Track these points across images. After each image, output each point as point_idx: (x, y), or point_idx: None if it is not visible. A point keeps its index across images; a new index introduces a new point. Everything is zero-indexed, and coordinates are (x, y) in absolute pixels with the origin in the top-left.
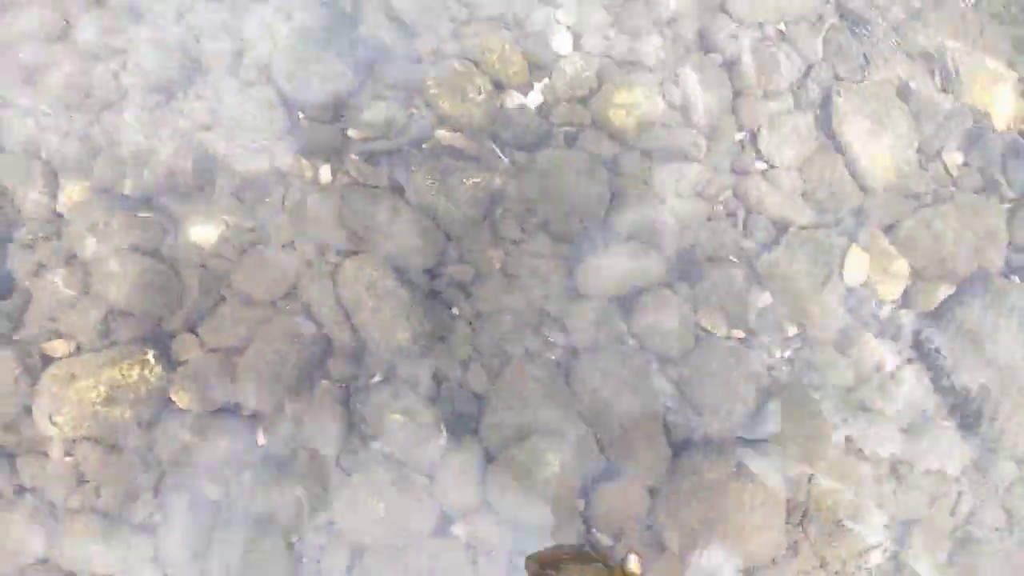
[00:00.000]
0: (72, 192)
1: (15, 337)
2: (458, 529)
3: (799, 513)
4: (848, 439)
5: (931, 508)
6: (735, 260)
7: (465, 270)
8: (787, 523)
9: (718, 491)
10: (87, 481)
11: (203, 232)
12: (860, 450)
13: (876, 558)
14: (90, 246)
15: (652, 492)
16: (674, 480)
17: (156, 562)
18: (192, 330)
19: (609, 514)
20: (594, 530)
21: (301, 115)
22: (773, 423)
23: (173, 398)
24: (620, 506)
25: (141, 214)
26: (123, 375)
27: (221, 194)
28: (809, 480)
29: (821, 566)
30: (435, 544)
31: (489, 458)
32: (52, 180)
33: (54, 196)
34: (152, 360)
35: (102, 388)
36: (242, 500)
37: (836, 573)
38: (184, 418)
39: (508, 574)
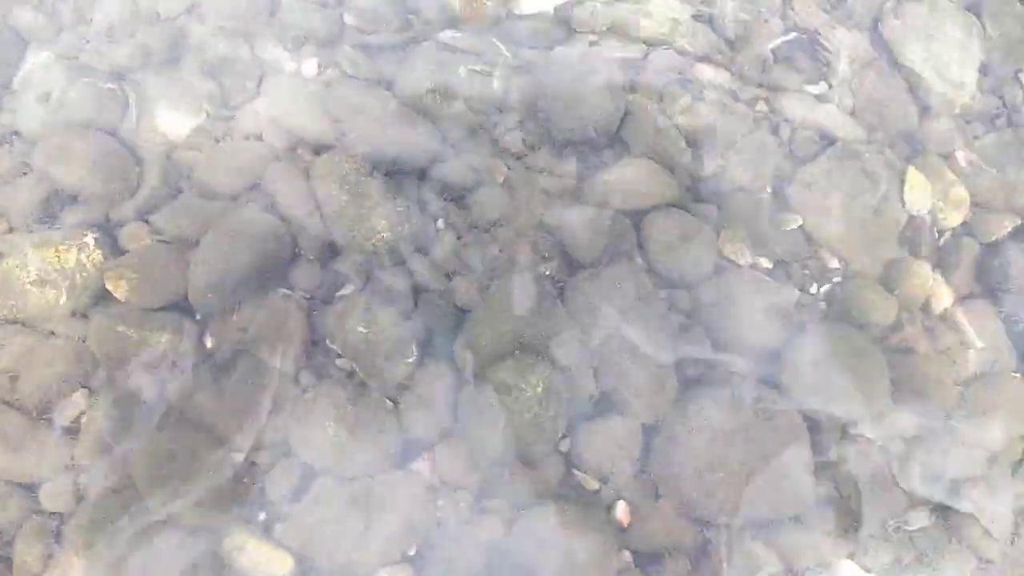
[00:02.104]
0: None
1: None
2: (421, 463)
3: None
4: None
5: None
6: (766, 182)
7: (460, 171)
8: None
9: (733, 438)
10: (6, 371)
11: (171, 118)
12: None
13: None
14: (37, 118)
15: (649, 432)
16: (680, 420)
17: (71, 469)
18: (144, 220)
19: (597, 453)
20: (577, 471)
21: None
22: (802, 361)
23: (109, 287)
24: (611, 445)
25: (104, 85)
26: (58, 257)
27: (195, 78)
28: (841, 435)
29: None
30: (394, 478)
31: (463, 383)
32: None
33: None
34: (92, 244)
35: (32, 268)
36: (180, 403)
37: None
38: (122, 310)
39: (472, 518)
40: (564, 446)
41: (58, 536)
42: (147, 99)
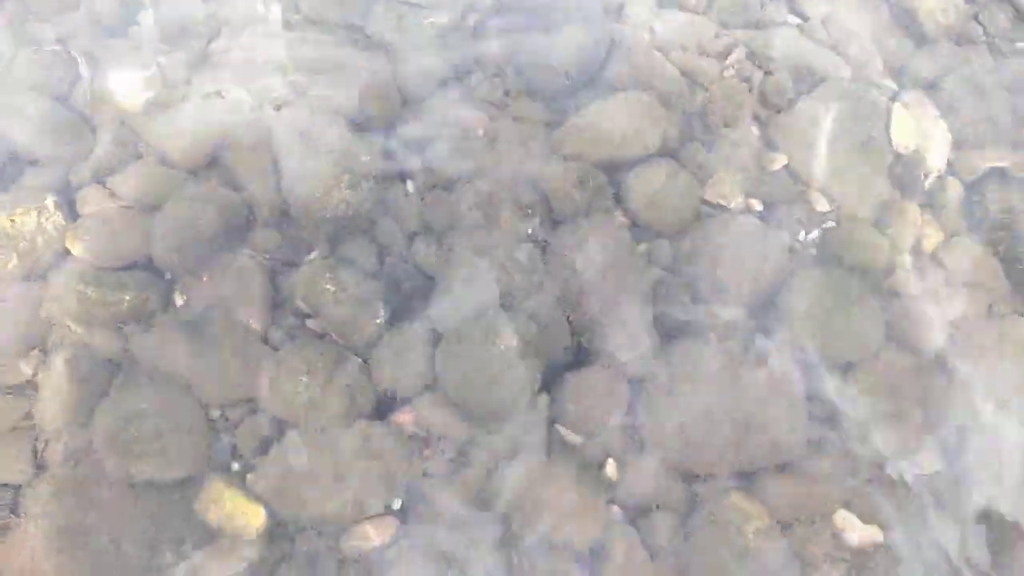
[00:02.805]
0: None
1: None
2: (403, 415)
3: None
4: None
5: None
6: (751, 121)
7: (418, 130)
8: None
9: (725, 381)
10: None
11: (124, 80)
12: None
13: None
14: None
15: (633, 384)
16: (665, 371)
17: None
18: (101, 183)
19: (580, 407)
20: (560, 426)
21: None
22: (795, 308)
23: (68, 246)
24: (594, 398)
25: (49, 48)
26: (13, 222)
27: (148, 39)
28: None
29: None
30: (370, 428)
31: (437, 337)
32: None
33: None
34: (51, 207)
35: None
36: (148, 362)
37: None
38: (82, 268)
39: (456, 468)
40: (543, 400)
41: (14, 507)
42: (98, 63)
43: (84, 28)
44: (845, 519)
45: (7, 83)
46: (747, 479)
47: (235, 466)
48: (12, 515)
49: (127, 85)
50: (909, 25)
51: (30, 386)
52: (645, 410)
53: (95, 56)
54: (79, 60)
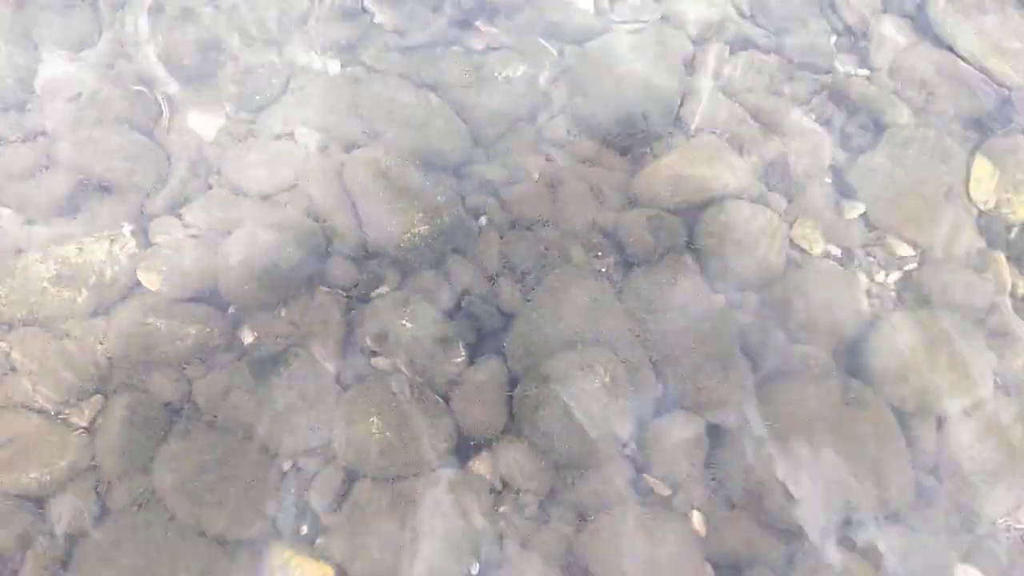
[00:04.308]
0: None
1: None
2: (478, 464)
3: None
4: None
5: None
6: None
7: (496, 171)
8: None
9: (827, 422)
10: (19, 371)
11: (201, 119)
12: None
13: None
14: (66, 116)
15: (721, 432)
16: (763, 409)
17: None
18: (176, 214)
19: (667, 456)
20: (647, 475)
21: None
22: (888, 349)
23: (140, 276)
24: (681, 446)
25: (135, 87)
26: (80, 250)
27: (224, 81)
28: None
29: None
30: (448, 476)
31: (514, 380)
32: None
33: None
34: (128, 235)
35: (53, 264)
36: (212, 407)
37: None
38: (152, 300)
39: (539, 527)
40: (630, 449)
41: (66, 564)
42: (176, 102)
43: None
44: (967, 573)
45: (89, 114)
46: (852, 530)
47: (304, 529)
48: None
49: (203, 122)
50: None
51: (92, 426)
52: (740, 460)
53: (175, 97)
54: (159, 97)
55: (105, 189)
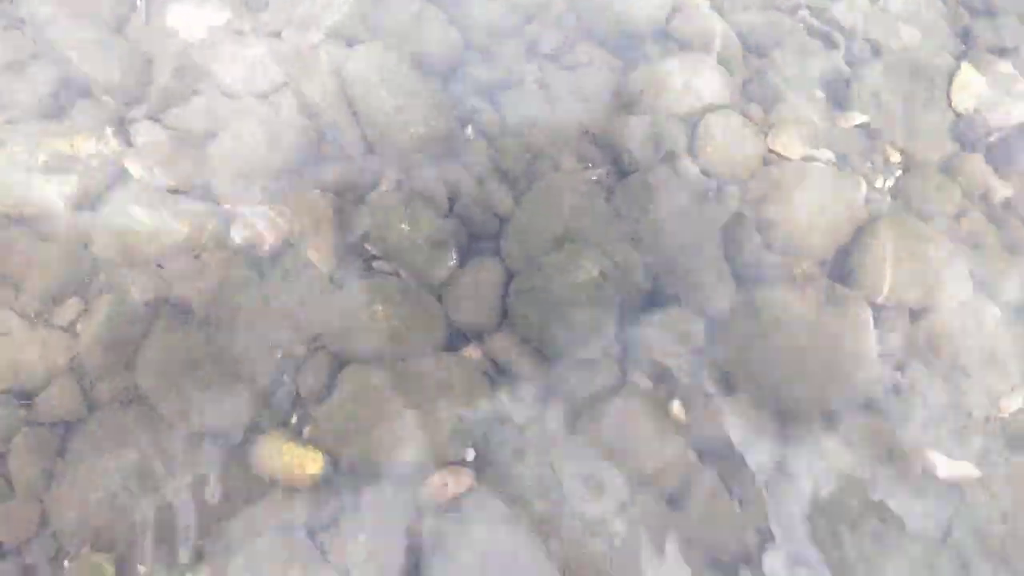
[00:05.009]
0: None
1: None
2: (470, 350)
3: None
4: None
5: None
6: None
7: (491, 79)
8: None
9: (803, 326)
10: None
11: (183, 14)
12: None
13: None
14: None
15: (708, 326)
16: (743, 313)
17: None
18: (156, 119)
19: (656, 347)
20: (630, 368)
21: None
22: (872, 258)
23: (127, 166)
24: (666, 341)
25: None
26: (72, 146)
27: None
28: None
29: None
30: (444, 360)
31: (510, 276)
32: None
33: None
34: (110, 135)
35: (41, 156)
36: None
37: None
38: (138, 189)
39: (537, 405)
40: (619, 341)
41: (62, 451)
42: None
43: None
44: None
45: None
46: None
47: (294, 419)
48: (60, 459)
49: (187, 16)
50: None
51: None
52: (732, 350)
53: None
54: None
55: (84, 92)
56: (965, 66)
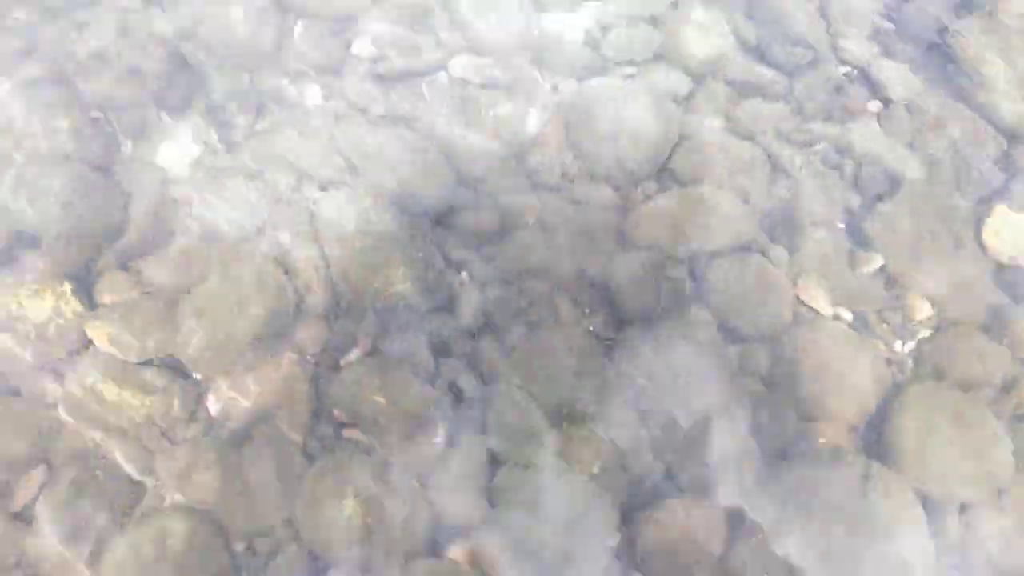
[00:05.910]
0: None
1: None
2: (454, 552)
3: None
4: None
5: None
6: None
7: (485, 220)
8: None
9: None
10: None
11: (170, 153)
12: None
13: None
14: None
15: (732, 519)
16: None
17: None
18: (125, 268)
19: (668, 548)
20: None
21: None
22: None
23: (91, 335)
24: (684, 534)
25: (92, 114)
26: (22, 304)
27: (195, 111)
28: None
29: None
30: (431, 567)
31: (496, 461)
32: None
33: None
34: (70, 293)
35: None
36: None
37: None
38: (103, 362)
39: None
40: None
41: None
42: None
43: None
44: None
45: (27, 147)
46: None
47: None
48: None
49: (169, 156)
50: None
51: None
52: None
53: (139, 128)
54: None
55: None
56: (999, 208)
